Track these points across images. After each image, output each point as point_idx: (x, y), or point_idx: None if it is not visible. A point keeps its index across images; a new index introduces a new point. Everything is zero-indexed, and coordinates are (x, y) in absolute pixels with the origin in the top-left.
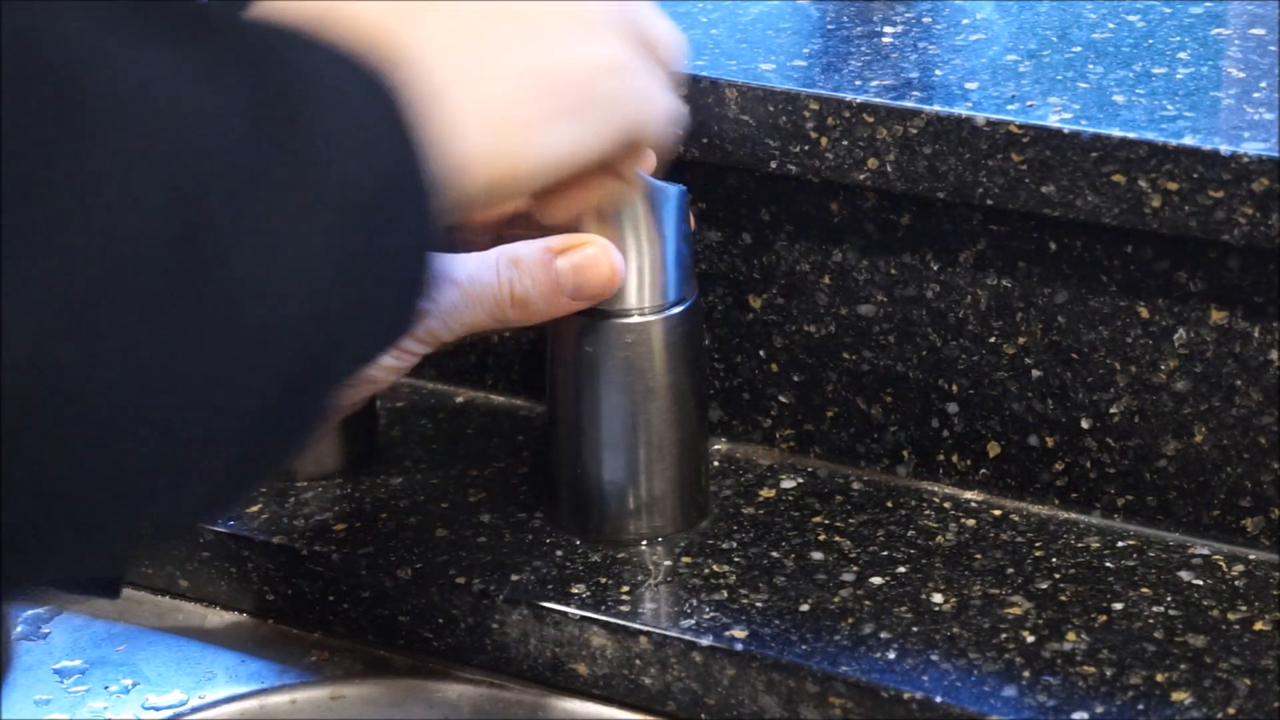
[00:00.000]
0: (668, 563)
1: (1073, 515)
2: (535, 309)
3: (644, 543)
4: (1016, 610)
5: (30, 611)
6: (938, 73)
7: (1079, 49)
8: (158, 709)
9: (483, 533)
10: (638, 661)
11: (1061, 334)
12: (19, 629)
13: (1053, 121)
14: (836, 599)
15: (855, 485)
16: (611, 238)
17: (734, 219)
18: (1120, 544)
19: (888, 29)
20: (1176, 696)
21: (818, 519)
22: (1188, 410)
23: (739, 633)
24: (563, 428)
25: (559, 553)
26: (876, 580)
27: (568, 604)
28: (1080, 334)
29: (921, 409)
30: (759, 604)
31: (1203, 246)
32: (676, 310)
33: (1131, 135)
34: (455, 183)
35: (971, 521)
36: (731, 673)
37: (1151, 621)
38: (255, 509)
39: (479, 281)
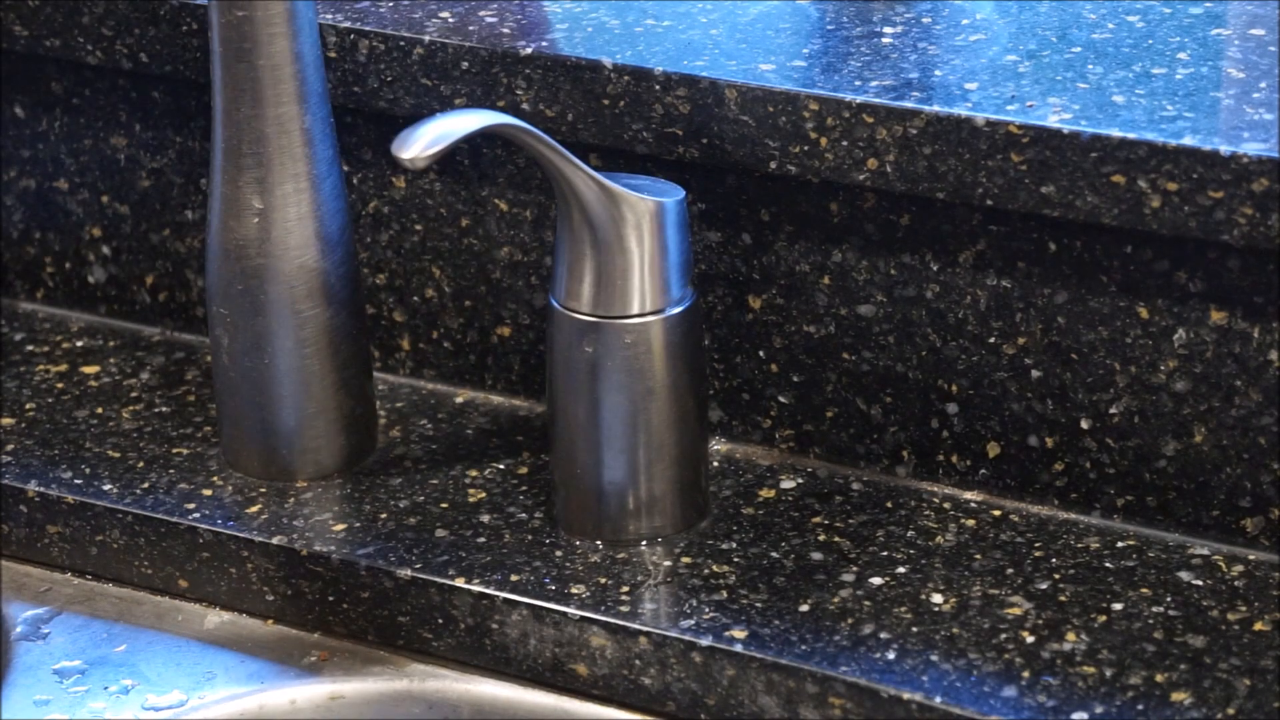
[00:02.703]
0: (667, 563)
1: (1073, 515)
2: None
3: (644, 543)
4: (1016, 610)
5: (30, 612)
6: (937, 73)
7: (1079, 49)
8: (157, 709)
9: (483, 533)
10: (637, 662)
11: (1061, 334)
12: (19, 629)
13: (1052, 122)
14: (836, 599)
15: (855, 485)
16: (610, 245)
17: (734, 219)
18: (1120, 544)
19: (887, 29)
20: (1176, 697)
21: (817, 519)
22: (1188, 410)
23: (739, 633)
24: (563, 428)
25: (559, 553)
26: (876, 580)
27: (568, 604)
28: (1080, 334)
29: (921, 409)
30: (759, 604)
31: (1203, 247)
32: (676, 311)
33: (1131, 135)
34: None
35: (971, 522)
36: (731, 673)
37: (1151, 622)
38: (255, 509)
39: None
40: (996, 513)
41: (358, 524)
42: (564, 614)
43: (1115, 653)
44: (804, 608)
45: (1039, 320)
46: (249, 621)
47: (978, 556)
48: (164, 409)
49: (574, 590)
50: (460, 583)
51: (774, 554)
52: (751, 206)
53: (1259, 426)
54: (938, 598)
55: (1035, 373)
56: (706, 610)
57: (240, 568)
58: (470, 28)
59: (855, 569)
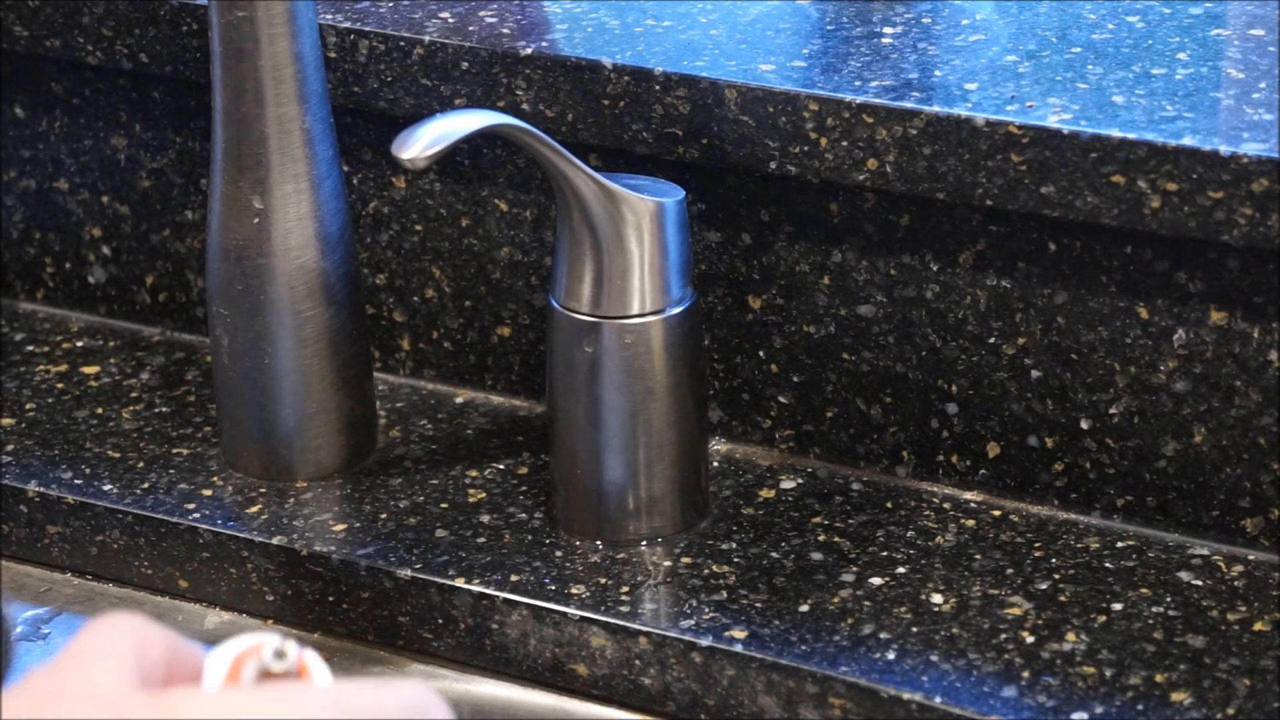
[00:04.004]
0: (667, 563)
1: (1072, 515)
2: None
3: (644, 543)
4: (1016, 610)
5: (30, 612)
6: (937, 73)
7: (1079, 49)
8: None
9: (483, 533)
10: (637, 662)
11: (1061, 334)
12: (19, 629)
13: (1052, 122)
14: (836, 599)
15: (855, 485)
16: (610, 245)
17: (734, 219)
18: (1120, 544)
19: (887, 29)
20: (1176, 697)
21: (817, 519)
22: (1187, 411)
23: (738, 633)
24: (563, 428)
25: (559, 553)
26: (876, 581)
27: (568, 604)
28: (1080, 334)
29: (921, 409)
30: (758, 604)
31: (1202, 247)
32: (676, 311)
33: (1131, 136)
34: None
35: (971, 522)
36: (731, 673)
37: (1151, 622)
38: (255, 509)
39: None
40: (996, 513)
41: (358, 524)
42: (564, 614)
43: (1115, 653)
44: (804, 608)
45: (1039, 320)
46: (249, 622)
47: (978, 556)
48: (164, 409)
49: (574, 590)
50: (460, 583)
51: (774, 554)
52: (751, 206)
53: (1259, 426)
54: (938, 598)
55: (1035, 373)
56: (706, 610)
57: (240, 568)
58: (470, 28)
59: (855, 569)
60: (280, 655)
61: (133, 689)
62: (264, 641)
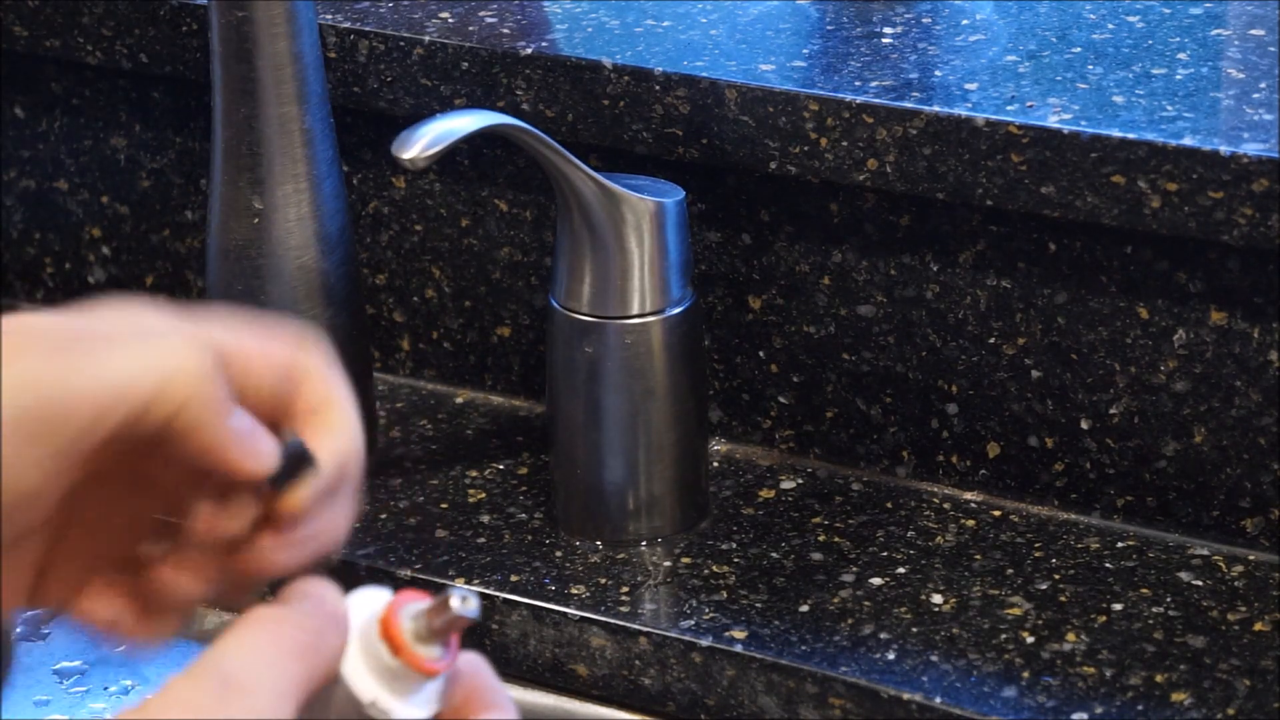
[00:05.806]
0: (667, 563)
1: (1072, 516)
2: None
3: (644, 543)
4: (1016, 611)
5: (30, 612)
6: (937, 73)
7: (1079, 50)
8: None
9: (483, 533)
10: (637, 662)
11: (1061, 334)
12: (19, 629)
13: (1052, 122)
14: (836, 600)
15: (855, 486)
16: (610, 245)
17: (734, 219)
18: (1120, 544)
19: (887, 30)
20: (1176, 697)
21: (817, 519)
22: (1187, 411)
23: (738, 633)
24: (563, 428)
25: (559, 553)
26: (876, 581)
27: (568, 604)
28: (1080, 334)
29: (921, 409)
30: (758, 604)
31: (1202, 247)
32: (676, 311)
33: (1131, 136)
34: None
35: (971, 522)
36: (731, 673)
37: (1151, 622)
38: None
39: None
40: (996, 513)
41: (358, 524)
42: (564, 614)
43: (1115, 653)
44: (804, 608)
45: (1039, 320)
46: None
47: (978, 556)
48: None
49: (574, 590)
50: (460, 583)
51: (774, 554)
52: (751, 206)
53: (1259, 426)
54: (938, 598)
55: (1035, 373)
56: (706, 610)
57: None
58: (470, 28)
59: (855, 569)
60: (465, 601)
61: None
62: (408, 598)
